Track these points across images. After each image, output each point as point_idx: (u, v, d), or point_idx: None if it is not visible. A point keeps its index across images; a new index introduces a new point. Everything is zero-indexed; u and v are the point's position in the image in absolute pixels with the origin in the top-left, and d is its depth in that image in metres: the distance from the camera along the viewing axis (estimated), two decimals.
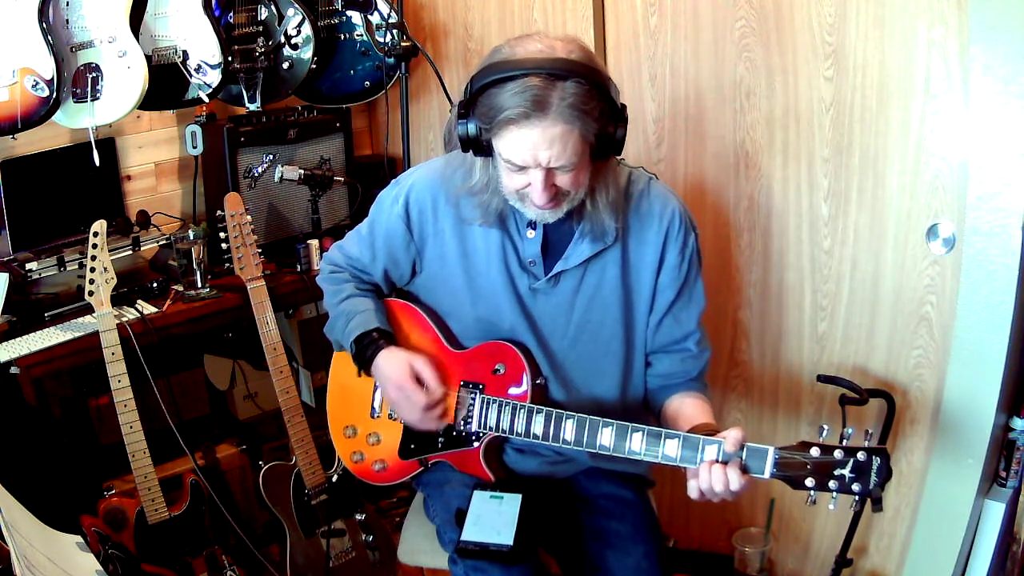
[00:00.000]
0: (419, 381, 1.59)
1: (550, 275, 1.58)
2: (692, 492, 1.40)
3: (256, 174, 2.51)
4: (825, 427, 1.37)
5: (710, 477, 1.36)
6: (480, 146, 1.44)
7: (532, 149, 1.37)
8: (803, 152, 2.09)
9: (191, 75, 2.28)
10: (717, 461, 1.37)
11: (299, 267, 2.46)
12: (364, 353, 1.64)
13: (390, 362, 1.61)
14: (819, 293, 2.15)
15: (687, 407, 1.57)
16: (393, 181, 1.71)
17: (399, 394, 1.59)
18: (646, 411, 1.68)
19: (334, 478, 2.25)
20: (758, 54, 2.10)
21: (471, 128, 1.42)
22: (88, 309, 2.06)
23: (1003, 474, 1.99)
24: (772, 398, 2.31)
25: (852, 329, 2.12)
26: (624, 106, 1.43)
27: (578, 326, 1.61)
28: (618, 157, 1.52)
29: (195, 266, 2.30)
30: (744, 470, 1.35)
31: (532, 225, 1.56)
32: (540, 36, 1.41)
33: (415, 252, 1.67)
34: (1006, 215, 1.76)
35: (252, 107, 2.47)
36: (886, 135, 1.96)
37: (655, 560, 1.57)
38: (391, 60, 2.54)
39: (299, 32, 2.48)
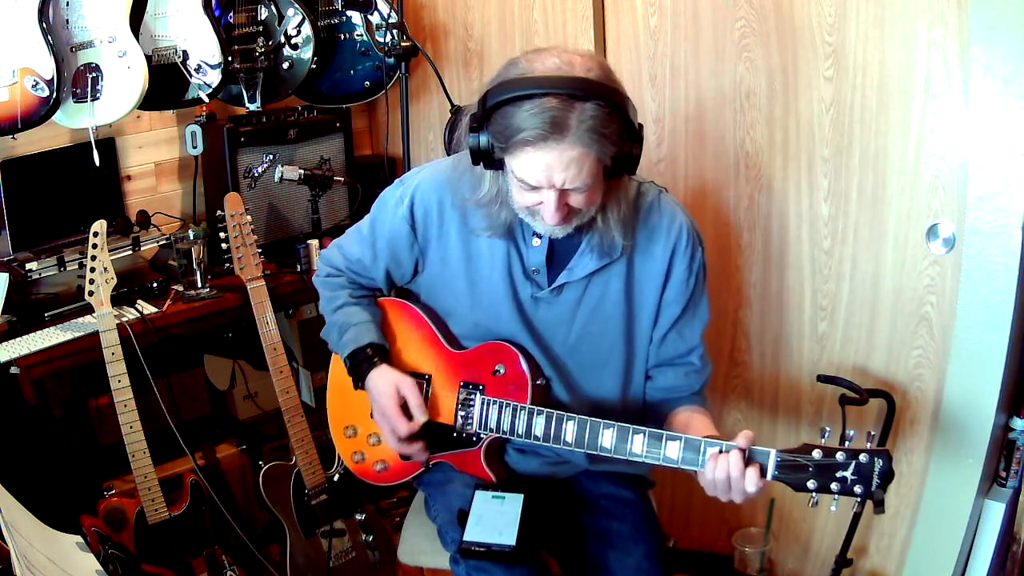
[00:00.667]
0: (405, 406, 1.60)
1: (553, 286, 1.57)
2: (706, 476, 1.39)
3: (256, 174, 2.51)
4: (827, 429, 1.37)
5: (715, 466, 1.35)
6: (492, 160, 1.42)
7: (547, 171, 1.35)
8: (803, 152, 2.10)
9: (191, 75, 2.28)
10: (722, 451, 1.36)
11: (299, 267, 2.46)
12: (359, 369, 1.64)
13: (380, 383, 1.61)
14: (819, 293, 2.15)
15: (694, 421, 1.56)
16: (397, 180, 1.70)
17: (383, 419, 1.62)
18: (645, 419, 1.67)
19: (335, 478, 2.25)
20: (758, 54, 2.10)
21: (483, 143, 1.39)
22: (88, 309, 2.06)
23: (1003, 474, 1.99)
24: (772, 398, 2.31)
25: (852, 329, 2.12)
26: (641, 125, 1.40)
27: (578, 336, 1.60)
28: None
29: (195, 266, 2.30)
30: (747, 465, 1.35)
31: (538, 233, 1.55)
32: (558, 51, 1.38)
33: (418, 253, 1.66)
34: (1006, 215, 1.76)
35: (252, 107, 2.47)
36: (886, 135, 1.96)
37: (655, 560, 1.56)
38: (391, 60, 2.54)
39: (299, 32, 2.48)
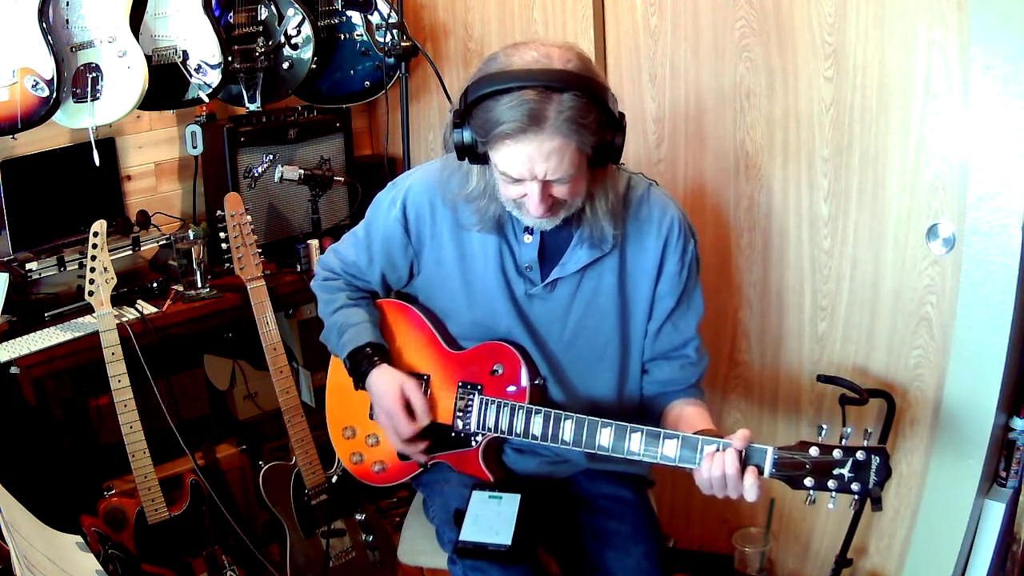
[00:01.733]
0: (408, 406, 1.60)
1: (546, 282, 1.58)
2: (703, 475, 1.39)
3: (256, 174, 2.51)
4: (824, 426, 1.37)
5: (711, 465, 1.35)
6: (476, 155, 1.43)
7: (528, 163, 1.36)
8: (803, 152, 2.09)
9: (191, 75, 2.28)
10: (719, 450, 1.36)
11: (299, 267, 2.46)
12: (358, 369, 1.64)
13: (382, 383, 1.61)
14: (819, 293, 2.15)
15: (688, 413, 1.56)
16: (390, 184, 1.70)
17: (387, 419, 1.62)
18: (642, 415, 1.68)
19: (334, 479, 2.25)
20: (758, 54, 2.10)
21: (467, 138, 1.41)
22: (88, 309, 2.06)
23: (1003, 474, 1.99)
24: (772, 398, 2.31)
25: (852, 329, 2.12)
26: (622, 114, 1.41)
27: (573, 331, 1.61)
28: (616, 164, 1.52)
29: (195, 266, 2.30)
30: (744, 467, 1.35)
31: (529, 230, 1.56)
32: (536, 44, 1.39)
33: (412, 255, 1.67)
34: (1006, 215, 1.76)
35: (252, 107, 2.47)
36: (886, 135, 1.95)
37: (655, 560, 1.56)
38: (391, 60, 2.54)
39: (299, 32, 2.48)
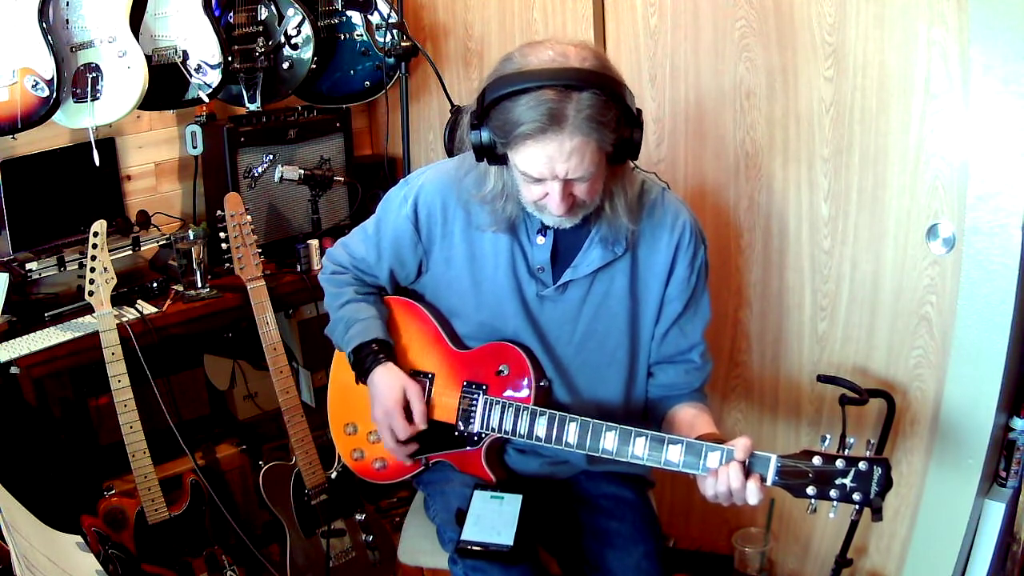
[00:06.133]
0: (407, 408, 1.60)
1: (558, 284, 1.57)
2: (707, 491, 1.40)
3: (256, 174, 2.51)
4: (827, 436, 1.38)
5: (716, 481, 1.36)
6: (494, 155, 1.43)
7: (549, 163, 1.36)
8: (803, 152, 2.09)
9: (191, 75, 2.28)
10: (723, 462, 1.36)
11: (299, 267, 2.46)
12: (363, 364, 1.64)
13: (385, 381, 1.61)
14: (819, 293, 2.15)
15: (691, 418, 1.56)
16: (402, 180, 1.70)
17: (384, 418, 1.62)
18: (647, 418, 1.68)
19: (334, 475, 2.25)
20: (758, 54, 2.10)
21: (485, 139, 1.40)
22: (88, 309, 2.06)
23: (1003, 474, 1.99)
24: (772, 398, 2.31)
25: (852, 329, 2.12)
26: (640, 110, 1.41)
27: (584, 334, 1.61)
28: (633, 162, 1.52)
29: (195, 266, 2.30)
30: (747, 475, 1.35)
31: (542, 231, 1.55)
32: (552, 43, 1.39)
33: (422, 253, 1.66)
34: (1006, 215, 1.76)
35: (252, 107, 2.47)
36: (886, 135, 1.96)
37: (655, 560, 1.56)
38: (391, 60, 2.54)
39: (299, 32, 2.48)
